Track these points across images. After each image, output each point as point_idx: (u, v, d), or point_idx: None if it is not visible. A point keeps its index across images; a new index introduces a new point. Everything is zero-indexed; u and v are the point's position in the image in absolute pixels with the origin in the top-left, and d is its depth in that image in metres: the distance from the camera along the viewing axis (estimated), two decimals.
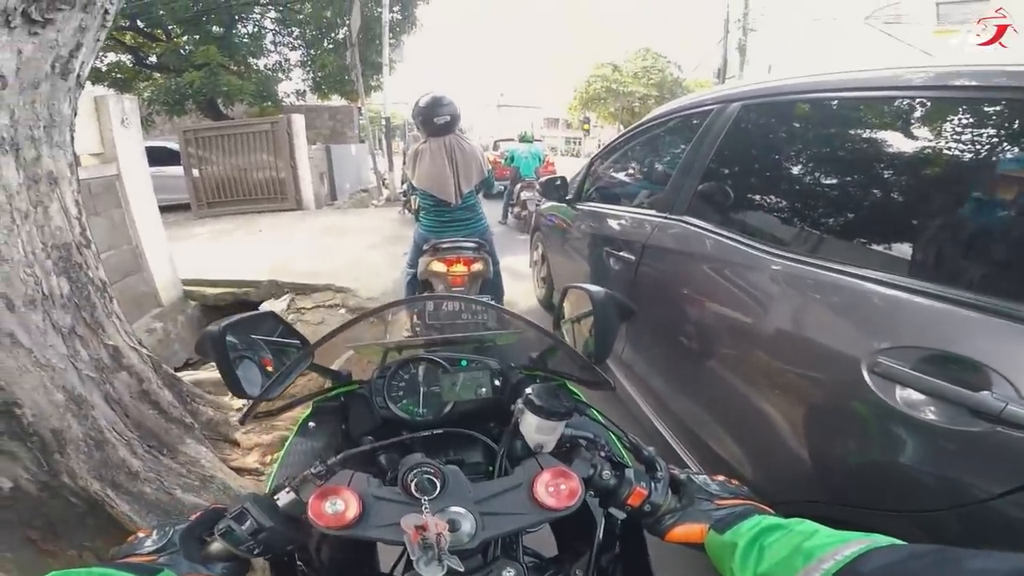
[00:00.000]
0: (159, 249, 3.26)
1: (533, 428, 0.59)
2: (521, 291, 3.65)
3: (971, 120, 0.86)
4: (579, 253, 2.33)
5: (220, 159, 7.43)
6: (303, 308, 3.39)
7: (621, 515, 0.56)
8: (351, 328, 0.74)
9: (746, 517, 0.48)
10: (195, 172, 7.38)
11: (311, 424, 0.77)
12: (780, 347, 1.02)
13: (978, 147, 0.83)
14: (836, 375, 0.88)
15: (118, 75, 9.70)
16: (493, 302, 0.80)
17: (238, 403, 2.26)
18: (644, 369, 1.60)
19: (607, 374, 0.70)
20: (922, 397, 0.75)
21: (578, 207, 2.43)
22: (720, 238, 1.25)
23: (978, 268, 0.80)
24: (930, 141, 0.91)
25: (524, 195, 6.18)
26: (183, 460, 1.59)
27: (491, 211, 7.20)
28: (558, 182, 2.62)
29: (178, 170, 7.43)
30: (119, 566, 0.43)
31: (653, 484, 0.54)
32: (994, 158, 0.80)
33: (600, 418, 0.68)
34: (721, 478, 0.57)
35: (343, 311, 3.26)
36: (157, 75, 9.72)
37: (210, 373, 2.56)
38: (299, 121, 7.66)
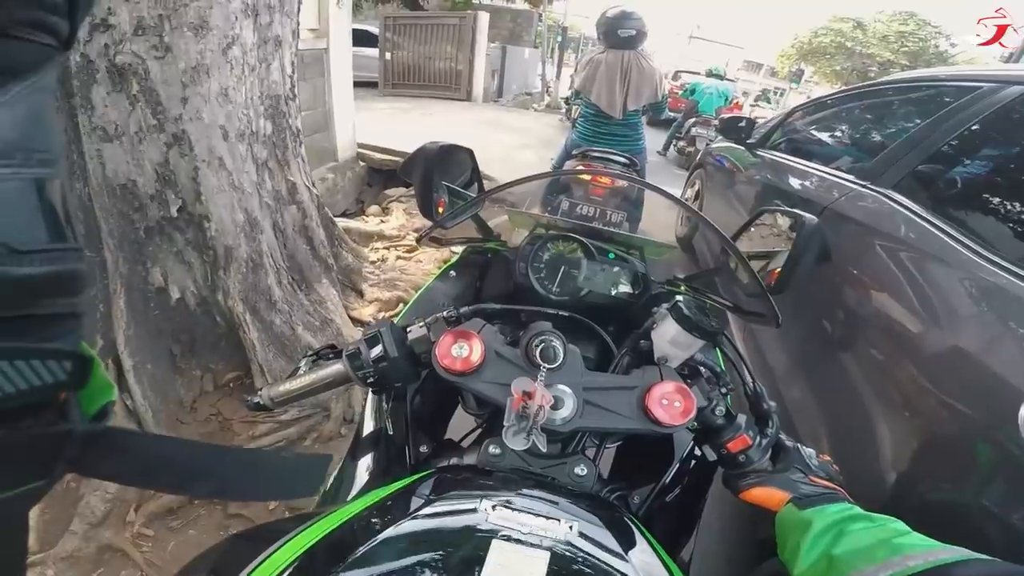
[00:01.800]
0: (346, 115, 3.69)
1: (668, 338, 0.56)
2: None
3: None
4: (741, 200, 2.18)
5: (410, 46, 8.01)
6: None
7: (712, 457, 0.53)
8: (516, 190, 0.77)
9: (834, 501, 0.46)
10: (387, 56, 8.08)
11: (452, 273, 0.81)
12: (936, 360, 0.89)
13: None
14: (985, 406, 0.78)
15: None
16: (668, 191, 0.71)
17: (375, 256, 2.56)
18: (767, 336, 1.50)
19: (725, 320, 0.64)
20: None
21: (759, 153, 2.23)
22: (923, 222, 1.08)
23: None
24: None
25: (696, 131, 5.62)
26: (314, 299, 1.83)
27: (654, 138, 6.70)
28: (743, 123, 2.40)
29: (373, 52, 8.16)
30: None
31: (760, 438, 0.51)
32: None
33: (731, 356, 0.63)
34: (827, 458, 0.53)
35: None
36: None
37: (359, 224, 2.93)
38: (484, 19, 7.81)
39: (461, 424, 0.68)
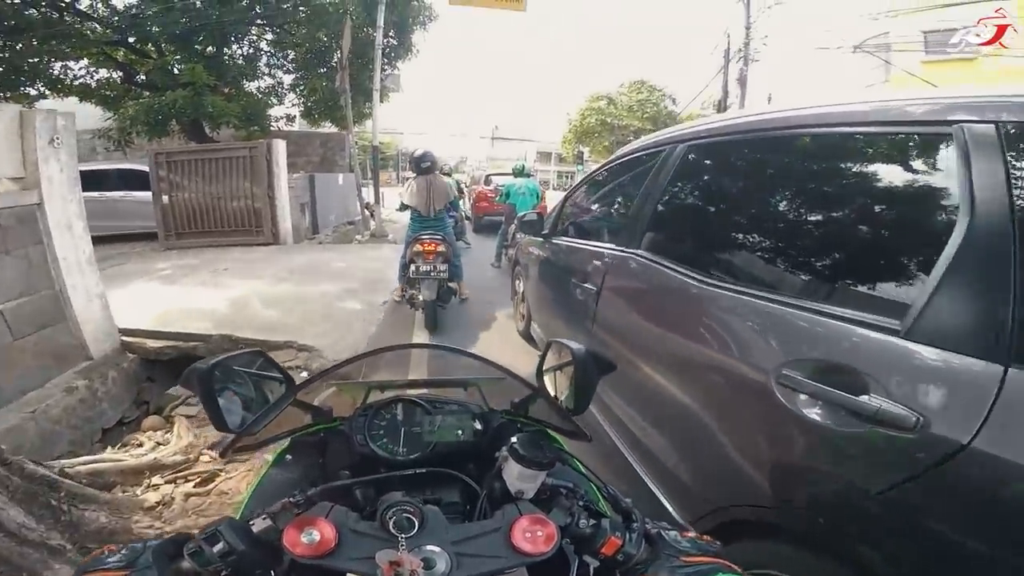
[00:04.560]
0: (89, 293, 2.85)
1: (515, 475, 0.61)
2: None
3: (851, 154, 1.03)
4: (550, 286, 2.51)
5: (193, 185, 7.00)
6: None
7: (595, 563, 0.57)
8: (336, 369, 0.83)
9: (713, 574, 0.49)
10: (164, 199, 6.95)
11: (288, 456, 0.78)
12: (707, 364, 1.14)
13: (857, 179, 1.00)
14: (751, 389, 0.97)
15: (107, 92, 9.43)
16: (473, 352, 0.84)
17: (154, 496, 1.91)
18: (609, 395, 1.67)
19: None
20: (817, 403, 0.84)
21: (552, 241, 2.55)
22: (663, 268, 1.39)
23: (859, 287, 0.93)
24: (816, 176, 1.11)
25: (520, 236, 5.92)
26: None
27: (486, 248, 6.85)
28: (534, 218, 2.88)
29: (149, 195, 7.04)
30: None
31: (628, 535, 0.55)
32: (868, 190, 0.97)
33: (581, 468, 0.72)
34: (692, 534, 0.57)
35: (305, 374, 2.85)
36: (147, 93, 9.27)
37: (119, 459, 2.12)
38: (279, 147, 7.30)
39: None
